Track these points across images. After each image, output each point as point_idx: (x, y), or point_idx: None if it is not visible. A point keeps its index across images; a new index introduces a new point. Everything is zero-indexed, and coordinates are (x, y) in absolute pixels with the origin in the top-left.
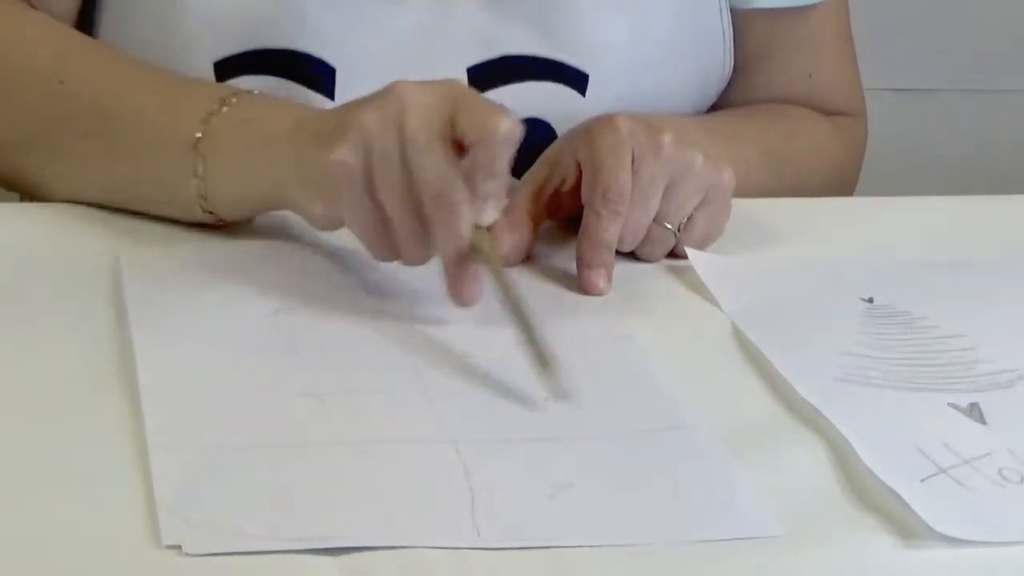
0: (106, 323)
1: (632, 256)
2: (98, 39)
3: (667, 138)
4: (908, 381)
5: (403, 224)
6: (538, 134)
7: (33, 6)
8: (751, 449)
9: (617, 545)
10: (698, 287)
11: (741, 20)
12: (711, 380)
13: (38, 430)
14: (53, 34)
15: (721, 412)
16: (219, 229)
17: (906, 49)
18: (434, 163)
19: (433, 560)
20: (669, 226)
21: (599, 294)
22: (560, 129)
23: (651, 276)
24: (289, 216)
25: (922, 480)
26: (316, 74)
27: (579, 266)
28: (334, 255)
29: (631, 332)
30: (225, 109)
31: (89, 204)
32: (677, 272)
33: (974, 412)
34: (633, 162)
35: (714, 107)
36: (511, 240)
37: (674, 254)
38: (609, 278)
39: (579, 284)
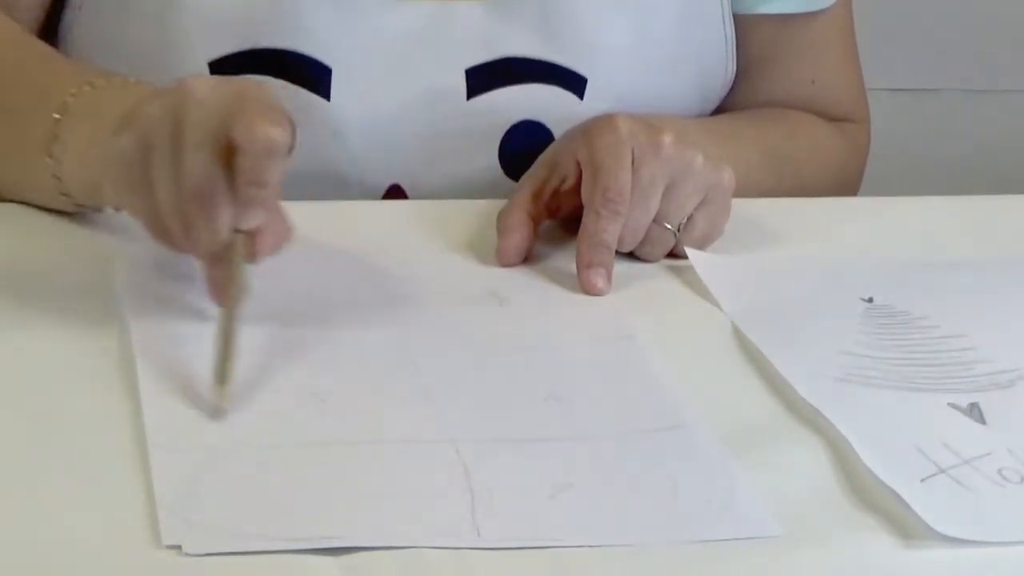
0: (106, 323)
1: (632, 256)
2: (87, 40)
3: (667, 138)
4: (908, 381)
5: (171, 217)
6: (535, 137)
7: None
8: (751, 449)
9: (617, 545)
10: (698, 287)
11: (744, 25)
12: (711, 380)
13: (38, 430)
14: None
15: (721, 412)
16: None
17: (906, 49)
18: (199, 161)
19: (433, 560)
20: (669, 226)
21: (599, 294)
22: (557, 132)
23: (651, 276)
24: (290, 216)
25: (922, 480)
26: (312, 74)
27: (579, 266)
28: (334, 256)
29: (631, 332)
30: (87, 89)
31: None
32: (677, 272)
33: (974, 412)
34: (633, 162)
35: (716, 112)
36: (511, 241)
37: (674, 254)
38: (609, 278)
39: (579, 284)
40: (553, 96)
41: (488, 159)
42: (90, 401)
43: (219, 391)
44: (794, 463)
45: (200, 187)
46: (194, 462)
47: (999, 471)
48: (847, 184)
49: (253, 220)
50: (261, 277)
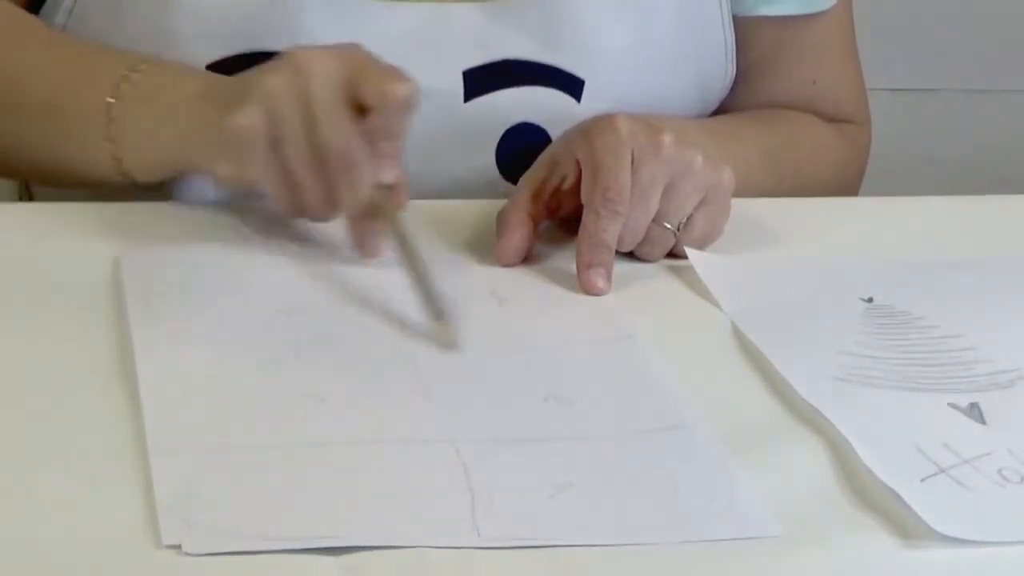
0: (106, 323)
1: (632, 256)
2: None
3: (667, 138)
4: (908, 381)
5: (308, 183)
6: (532, 139)
7: None
8: (751, 449)
9: (617, 545)
10: (698, 287)
11: (745, 27)
12: (711, 380)
13: (38, 430)
14: None
15: (721, 412)
16: (211, 212)
17: (906, 49)
18: (336, 124)
19: (433, 560)
20: (669, 226)
21: (599, 294)
22: (554, 134)
23: (651, 276)
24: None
25: (922, 480)
26: None
27: (579, 266)
28: (334, 255)
29: (631, 332)
30: (136, 75)
31: (89, 204)
32: (677, 272)
33: (974, 412)
34: (633, 162)
35: (717, 113)
36: (511, 241)
37: (674, 254)
38: (609, 278)
39: (579, 284)
40: (550, 98)
41: (485, 161)
42: (90, 401)
43: (443, 327)
44: (794, 463)
45: (342, 149)
46: (194, 462)
47: (999, 471)
48: (847, 185)
49: (392, 173)
50: (261, 277)
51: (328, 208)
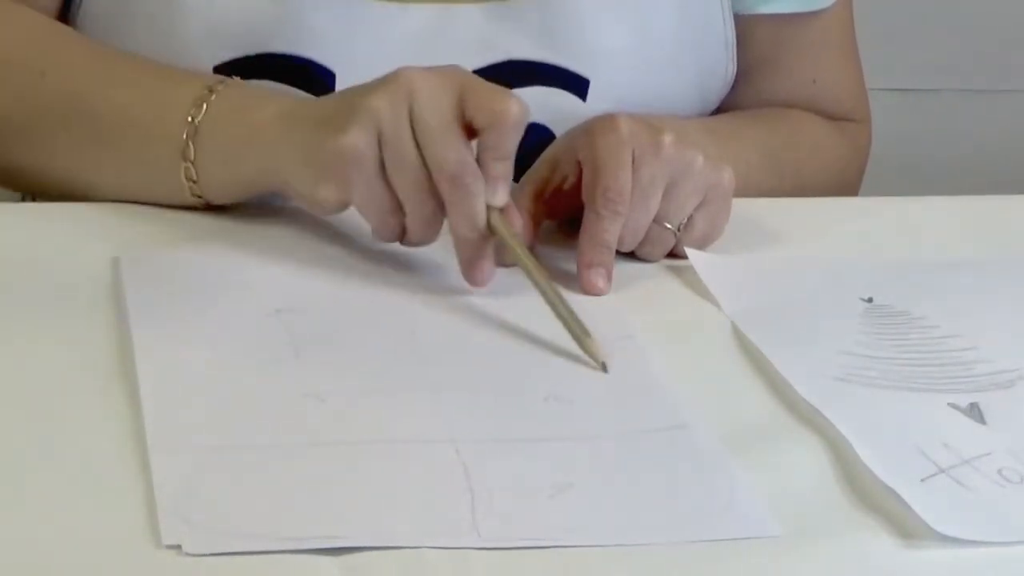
0: (106, 323)
1: (632, 256)
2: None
3: (667, 138)
4: (908, 381)
5: (415, 206)
6: (538, 139)
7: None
8: (751, 449)
9: (617, 545)
10: (698, 287)
11: (745, 26)
12: (711, 380)
13: (38, 430)
14: (36, 27)
15: (721, 412)
16: (210, 212)
17: (906, 49)
18: (449, 146)
19: (433, 560)
20: (669, 226)
21: (599, 294)
22: (559, 134)
23: (651, 276)
24: (289, 216)
25: (922, 480)
26: (315, 79)
27: (579, 266)
28: (334, 255)
29: (631, 332)
30: (214, 96)
31: (89, 204)
32: (677, 272)
33: (974, 412)
34: (633, 162)
35: (717, 112)
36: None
37: (674, 254)
38: (609, 278)
39: (579, 284)
40: (556, 98)
41: None
42: (90, 401)
43: (592, 345)
44: (794, 463)
45: (456, 171)
46: (194, 462)
47: (999, 471)
48: (848, 184)
49: (504, 194)
50: (261, 277)
51: (430, 232)
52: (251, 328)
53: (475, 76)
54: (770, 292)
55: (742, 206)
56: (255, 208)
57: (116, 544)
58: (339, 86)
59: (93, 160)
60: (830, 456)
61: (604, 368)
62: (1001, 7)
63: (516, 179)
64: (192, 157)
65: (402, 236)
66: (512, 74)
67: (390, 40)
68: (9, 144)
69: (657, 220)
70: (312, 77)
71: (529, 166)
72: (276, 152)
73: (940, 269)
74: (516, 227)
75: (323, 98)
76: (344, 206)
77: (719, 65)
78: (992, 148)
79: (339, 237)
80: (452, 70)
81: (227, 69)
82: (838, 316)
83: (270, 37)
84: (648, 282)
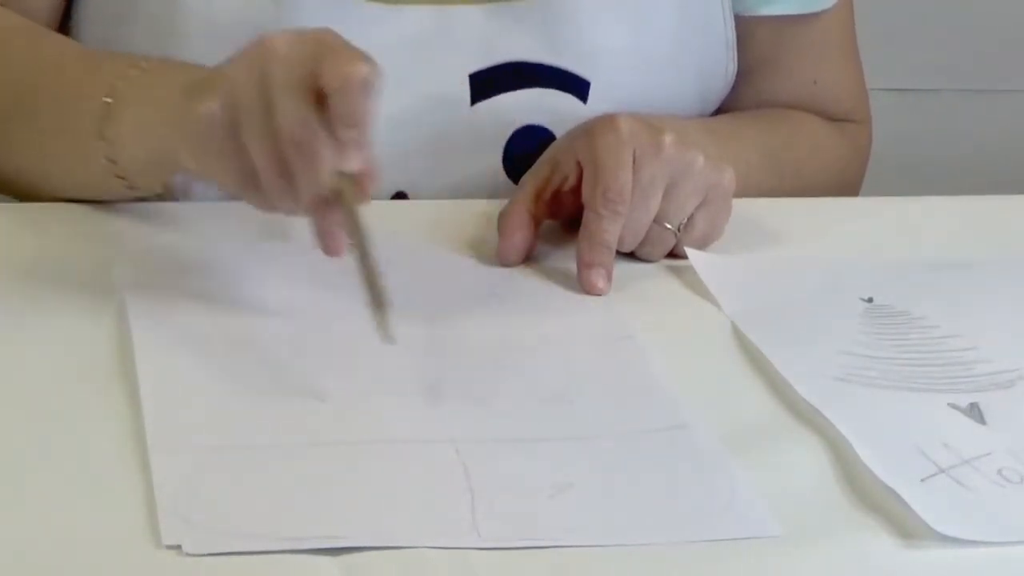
0: (106, 323)
1: (632, 256)
2: (90, 44)
3: (668, 138)
4: (908, 381)
5: (268, 173)
6: (539, 141)
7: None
8: (751, 449)
9: (617, 545)
10: (698, 287)
11: (746, 27)
12: (711, 380)
13: (38, 430)
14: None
15: (721, 412)
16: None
17: (906, 49)
18: (293, 110)
19: (433, 560)
20: (669, 226)
21: (599, 294)
22: (560, 135)
23: (651, 276)
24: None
25: (922, 480)
26: None
27: (579, 266)
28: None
29: (631, 332)
30: (134, 72)
31: (89, 204)
32: (677, 272)
33: (974, 412)
34: (634, 162)
35: (718, 112)
36: (512, 241)
37: (674, 254)
38: (609, 278)
39: (579, 284)
40: (557, 100)
41: (492, 164)
42: (90, 401)
43: (382, 317)
44: (794, 463)
45: (297, 133)
46: (194, 462)
47: (999, 471)
48: (848, 185)
49: (355, 161)
50: (261, 277)
51: (292, 201)
52: (251, 328)
53: (337, 39)
54: (770, 292)
55: (742, 206)
56: (254, 208)
57: (116, 544)
58: None
59: (32, 152)
60: (830, 456)
61: (391, 341)
62: (1001, 7)
63: (516, 179)
64: (110, 136)
65: (270, 206)
66: (512, 76)
67: (390, 43)
68: None
69: (657, 220)
70: None
71: (529, 167)
72: (165, 129)
73: (940, 269)
74: (365, 196)
75: (210, 67)
76: (208, 175)
77: (719, 66)
78: (992, 148)
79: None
80: (316, 33)
81: None
82: (838, 316)
83: None
84: (648, 282)
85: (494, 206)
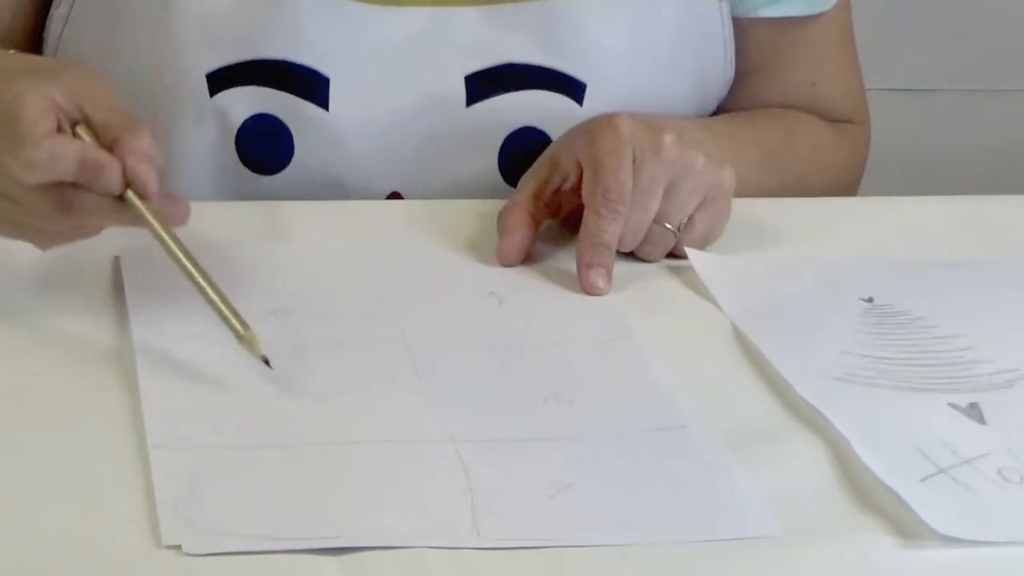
0: (106, 323)
1: (632, 256)
2: (83, 44)
3: (668, 138)
4: (908, 381)
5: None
6: (534, 142)
7: None
8: (751, 449)
9: (617, 545)
10: (698, 287)
11: (744, 29)
12: (711, 380)
13: (38, 430)
14: None
15: (721, 412)
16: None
17: (906, 49)
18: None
19: (433, 560)
20: (669, 226)
21: (599, 294)
22: (556, 138)
23: (651, 276)
24: (289, 217)
25: (922, 480)
26: (310, 84)
27: (579, 266)
28: (334, 255)
29: (631, 332)
30: None
31: None
32: (677, 272)
33: (974, 412)
34: (634, 162)
35: (716, 113)
36: (512, 240)
37: (674, 254)
38: (609, 278)
39: (579, 284)
40: (553, 102)
41: (488, 165)
42: (90, 401)
43: (249, 337)
44: (794, 463)
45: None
46: (194, 462)
47: (999, 471)
48: (847, 185)
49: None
50: (261, 277)
51: (78, 235)
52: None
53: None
54: (770, 292)
55: (742, 206)
56: (255, 208)
57: (116, 544)
58: (334, 91)
59: None
60: (830, 456)
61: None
62: (1001, 7)
63: (516, 185)
64: None
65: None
66: (508, 77)
67: (385, 44)
68: None
69: (657, 220)
70: (307, 83)
71: (524, 169)
72: None
73: (940, 269)
74: (145, 182)
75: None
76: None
77: (717, 67)
78: (992, 148)
79: (339, 237)
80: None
81: (220, 75)
82: (838, 316)
83: (264, 42)
84: (648, 282)
85: (493, 206)
